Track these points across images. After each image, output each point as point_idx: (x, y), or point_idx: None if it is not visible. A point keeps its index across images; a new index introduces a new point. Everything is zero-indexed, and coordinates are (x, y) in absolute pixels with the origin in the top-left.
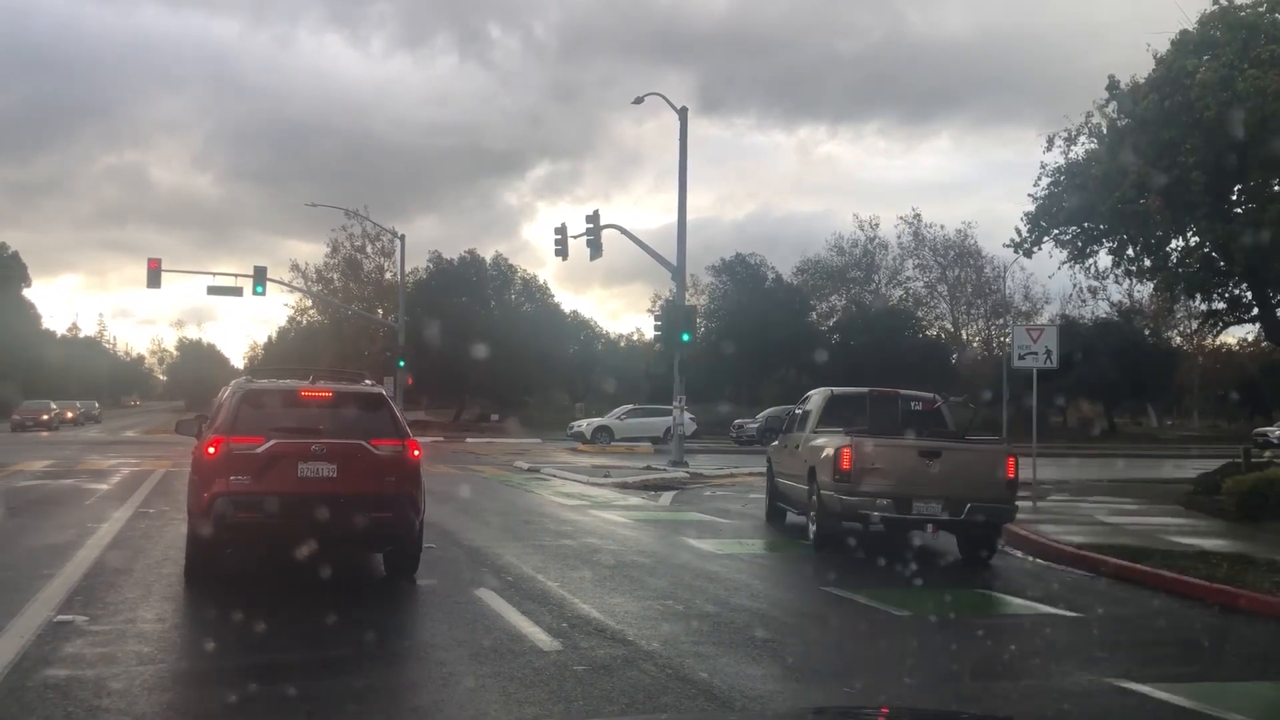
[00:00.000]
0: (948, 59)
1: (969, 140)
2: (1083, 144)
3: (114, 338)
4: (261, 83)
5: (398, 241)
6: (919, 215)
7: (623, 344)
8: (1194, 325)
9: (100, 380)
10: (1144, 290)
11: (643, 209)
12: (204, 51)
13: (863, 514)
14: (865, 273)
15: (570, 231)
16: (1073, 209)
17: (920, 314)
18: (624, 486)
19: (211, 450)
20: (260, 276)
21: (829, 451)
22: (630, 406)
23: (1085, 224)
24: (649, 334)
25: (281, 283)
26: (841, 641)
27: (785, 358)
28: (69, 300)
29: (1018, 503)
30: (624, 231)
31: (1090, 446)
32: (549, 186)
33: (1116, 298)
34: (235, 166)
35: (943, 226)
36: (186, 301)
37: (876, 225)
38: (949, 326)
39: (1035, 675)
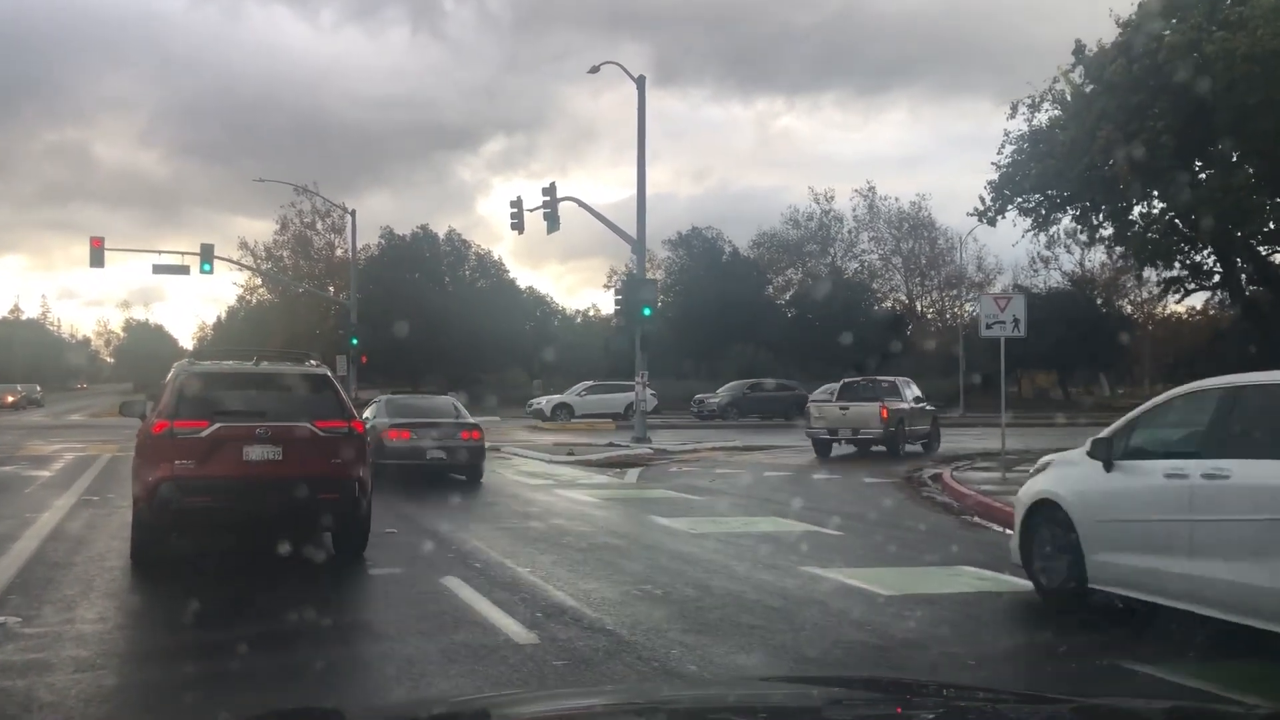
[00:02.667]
0: (905, 30)
1: (926, 112)
2: (1046, 111)
3: (58, 320)
4: (208, 57)
5: (348, 217)
6: (873, 188)
7: (579, 320)
8: (1150, 293)
9: (45, 363)
10: (1096, 259)
11: (599, 183)
12: (149, 25)
13: None
14: (821, 246)
15: (526, 205)
16: (1038, 176)
17: (875, 286)
18: (588, 464)
19: (155, 434)
20: (207, 254)
21: None
22: (590, 383)
23: (1049, 191)
24: (606, 309)
25: (230, 260)
26: (831, 625)
27: (743, 332)
28: (11, 282)
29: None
30: (582, 204)
31: (1047, 416)
32: (504, 161)
33: (1069, 267)
34: (182, 143)
35: (897, 199)
36: (134, 282)
37: (831, 198)
38: (903, 299)
39: (1038, 653)
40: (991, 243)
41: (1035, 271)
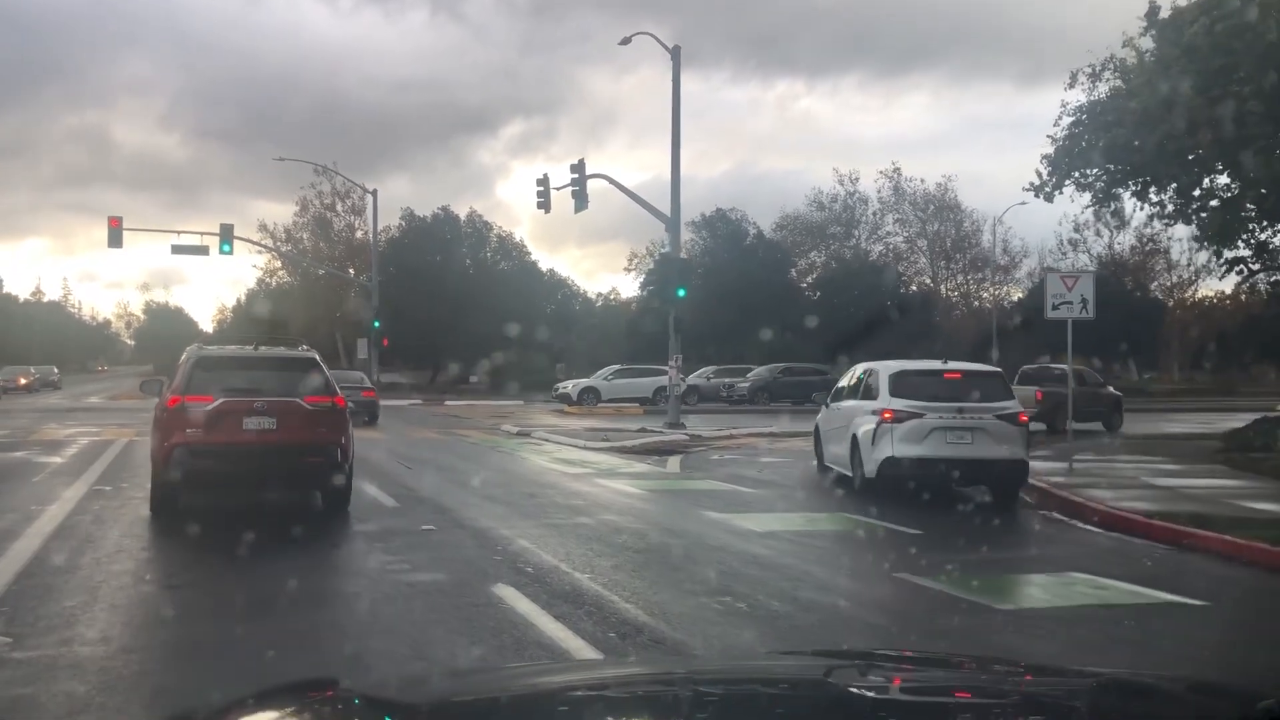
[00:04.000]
0: (926, 11)
1: (948, 95)
2: (1108, 80)
3: (79, 302)
4: (228, 40)
5: (369, 198)
6: (898, 169)
7: (600, 304)
8: (1180, 277)
9: (66, 345)
10: (1126, 242)
11: (620, 166)
12: (169, 8)
13: None
14: (845, 228)
15: (553, 183)
16: (1104, 148)
17: (900, 269)
18: (625, 451)
19: (170, 408)
20: (227, 235)
21: None
22: (617, 366)
23: (1112, 165)
24: (626, 293)
25: (249, 241)
26: (949, 644)
27: (767, 316)
28: (35, 264)
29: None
30: (612, 182)
31: None
32: (523, 144)
33: (1098, 250)
34: (201, 126)
35: (922, 180)
36: (154, 265)
37: (856, 180)
38: (928, 281)
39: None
40: (1017, 226)
41: (1064, 255)
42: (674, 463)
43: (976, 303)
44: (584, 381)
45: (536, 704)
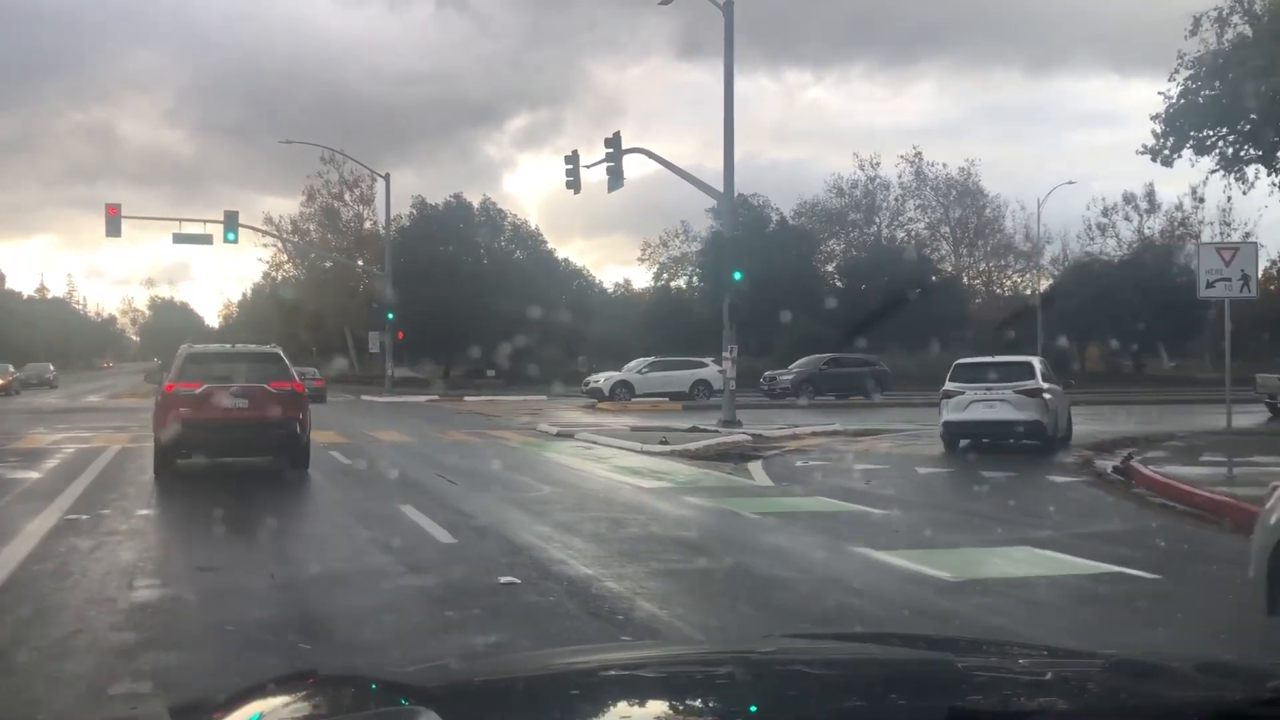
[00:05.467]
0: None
1: (955, 83)
2: (1236, 25)
3: (84, 298)
4: (233, 34)
5: (379, 185)
6: (920, 153)
7: (616, 294)
8: None
9: (71, 342)
10: (1156, 225)
11: (627, 159)
12: (174, 3)
13: None
14: (866, 214)
15: (584, 160)
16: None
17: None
18: (692, 457)
19: (167, 392)
20: (231, 223)
21: None
22: (651, 359)
23: (1243, 123)
24: (638, 284)
25: (255, 228)
26: None
27: (791, 304)
28: (41, 261)
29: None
30: (653, 156)
31: (1137, 391)
32: (529, 137)
33: (1127, 235)
34: (207, 121)
35: (945, 165)
36: (161, 261)
37: (877, 164)
38: (949, 268)
39: None
40: (1076, 203)
41: (1091, 239)
42: (758, 472)
43: (999, 289)
44: (616, 375)
45: (556, 684)
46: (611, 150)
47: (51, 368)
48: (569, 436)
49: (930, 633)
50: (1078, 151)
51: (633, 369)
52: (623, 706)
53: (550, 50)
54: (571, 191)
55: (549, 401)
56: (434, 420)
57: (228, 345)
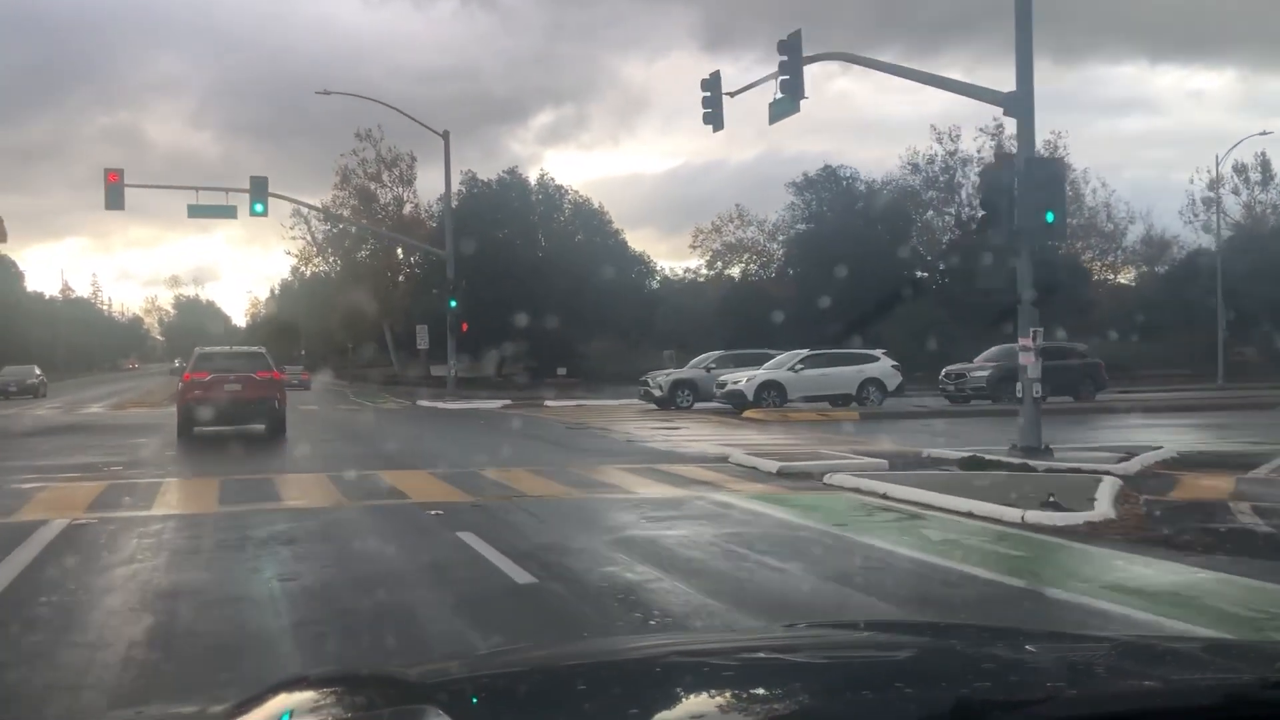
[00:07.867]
0: None
1: (981, 72)
2: None
3: (109, 299)
4: (257, 36)
5: (434, 148)
6: (1000, 126)
7: (679, 281)
8: None
9: (95, 343)
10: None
11: (653, 153)
12: (198, 5)
13: None
14: (945, 193)
15: (730, 86)
16: None
17: None
18: (1065, 532)
19: (186, 381)
20: (259, 192)
21: None
22: (806, 352)
23: None
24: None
25: (285, 197)
26: None
27: (888, 288)
28: (71, 264)
29: None
30: (854, 58)
31: None
32: (554, 133)
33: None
34: (232, 123)
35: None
36: (190, 262)
37: (957, 138)
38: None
39: None
40: (1121, 189)
41: (1195, 215)
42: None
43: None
44: (759, 374)
45: (567, 680)
46: (786, 59)
47: (38, 371)
48: (810, 477)
49: (937, 621)
50: (1109, 139)
51: (783, 367)
52: (635, 700)
53: (574, 45)
54: (711, 127)
55: (648, 405)
56: (544, 440)
57: (228, 346)
